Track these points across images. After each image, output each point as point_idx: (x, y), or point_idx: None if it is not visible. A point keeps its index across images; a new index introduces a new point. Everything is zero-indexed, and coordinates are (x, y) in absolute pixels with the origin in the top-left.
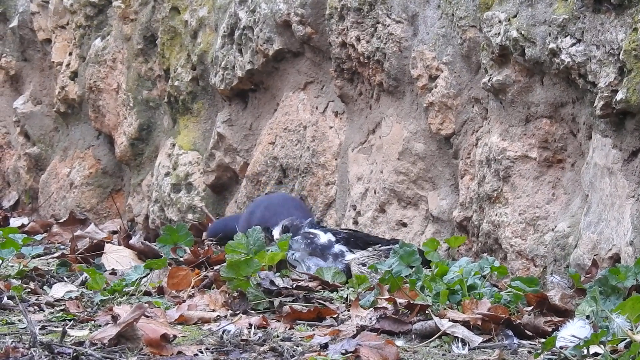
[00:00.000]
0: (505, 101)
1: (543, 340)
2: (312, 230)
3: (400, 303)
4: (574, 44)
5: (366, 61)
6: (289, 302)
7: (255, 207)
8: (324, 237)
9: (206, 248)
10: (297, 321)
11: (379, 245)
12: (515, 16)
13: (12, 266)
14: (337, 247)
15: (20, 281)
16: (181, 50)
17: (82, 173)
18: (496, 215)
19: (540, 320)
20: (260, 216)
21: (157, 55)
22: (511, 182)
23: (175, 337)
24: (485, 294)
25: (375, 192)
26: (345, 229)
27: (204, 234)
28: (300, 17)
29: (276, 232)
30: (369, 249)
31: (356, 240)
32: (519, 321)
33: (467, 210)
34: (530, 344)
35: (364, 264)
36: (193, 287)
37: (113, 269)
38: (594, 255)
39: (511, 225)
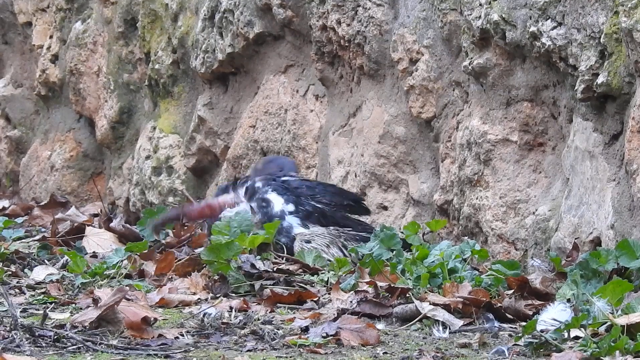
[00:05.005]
0: (486, 84)
1: (524, 323)
2: (267, 196)
3: (381, 286)
4: (554, 27)
5: (347, 44)
6: (270, 285)
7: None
8: (277, 206)
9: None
10: (278, 304)
11: (349, 229)
12: None
13: None
14: (288, 220)
15: (1, 264)
16: (162, 33)
17: (63, 156)
18: (477, 198)
19: (521, 303)
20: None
21: (138, 38)
22: (492, 165)
23: (156, 320)
24: (466, 278)
25: (356, 176)
26: (328, 202)
27: None
28: (281, 0)
29: (241, 192)
30: (330, 228)
31: (322, 216)
32: (499, 305)
33: (447, 193)
34: (511, 327)
35: (308, 241)
36: (174, 271)
37: (94, 252)
38: (575, 238)
39: (492, 208)
